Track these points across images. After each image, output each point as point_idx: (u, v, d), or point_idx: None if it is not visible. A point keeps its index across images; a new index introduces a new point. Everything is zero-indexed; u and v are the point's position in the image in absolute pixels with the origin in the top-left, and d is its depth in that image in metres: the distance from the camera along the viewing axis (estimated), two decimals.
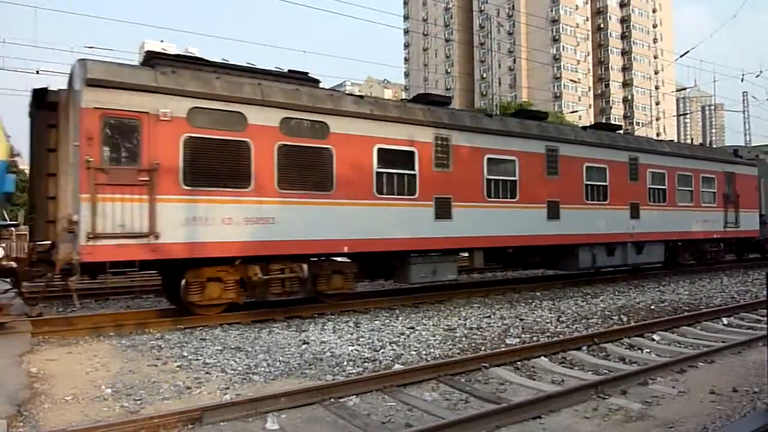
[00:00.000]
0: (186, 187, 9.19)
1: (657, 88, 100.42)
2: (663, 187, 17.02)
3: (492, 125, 13.46)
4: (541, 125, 14.53)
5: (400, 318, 10.51)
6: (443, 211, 12.17)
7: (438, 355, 7.65)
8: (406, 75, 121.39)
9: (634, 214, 15.98)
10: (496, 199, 13.07)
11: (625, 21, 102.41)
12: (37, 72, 22.40)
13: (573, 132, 15.61)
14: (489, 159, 13.00)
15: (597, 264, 15.09)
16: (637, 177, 16.23)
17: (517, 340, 8.64)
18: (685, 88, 64.80)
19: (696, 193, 18.17)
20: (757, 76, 40.29)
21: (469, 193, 12.62)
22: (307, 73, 11.27)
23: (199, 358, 7.41)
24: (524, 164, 13.56)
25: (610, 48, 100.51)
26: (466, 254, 13.97)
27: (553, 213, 14.00)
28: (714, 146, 26.18)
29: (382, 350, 7.92)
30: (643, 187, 16.45)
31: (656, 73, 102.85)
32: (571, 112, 66.40)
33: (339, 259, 11.29)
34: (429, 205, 11.95)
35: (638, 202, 16.13)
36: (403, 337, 8.81)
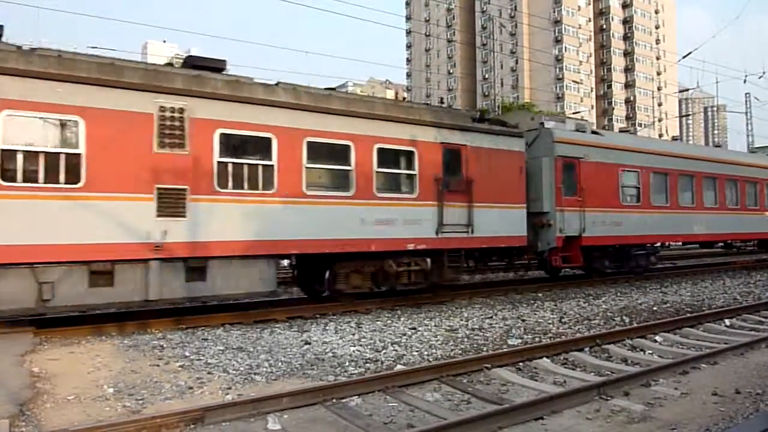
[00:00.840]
0: None
1: (659, 89, 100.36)
2: (265, 162, 10.20)
3: None
4: None
5: (402, 318, 10.51)
6: None
7: (440, 356, 7.65)
8: (409, 76, 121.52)
9: (168, 208, 9.17)
10: None
11: (627, 22, 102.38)
12: None
13: None
14: None
15: (55, 302, 8.25)
16: (184, 142, 9.37)
17: (519, 340, 8.64)
18: (687, 90, 64.76)
19: (361, 177, 11.23)
20: (760, 77, 40.14)
21: None
22: None
23: (201, 358, 7.41)
24: None
25: (612, 49, 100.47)
26: None
27: None
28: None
29: (383, 351, 7.92)
30: (205, 162, 9.60)
31: (659, 74, 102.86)
32: (574, 113, 66.35)
33: None
34: None
35: (184, 187, 9.34)
36: (405, 337, 8.81)
